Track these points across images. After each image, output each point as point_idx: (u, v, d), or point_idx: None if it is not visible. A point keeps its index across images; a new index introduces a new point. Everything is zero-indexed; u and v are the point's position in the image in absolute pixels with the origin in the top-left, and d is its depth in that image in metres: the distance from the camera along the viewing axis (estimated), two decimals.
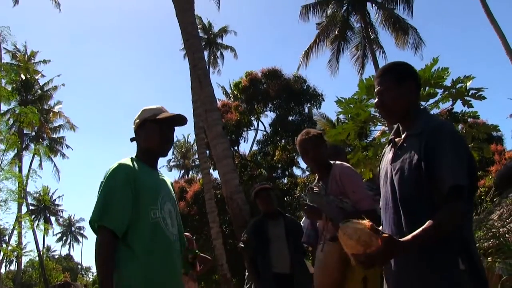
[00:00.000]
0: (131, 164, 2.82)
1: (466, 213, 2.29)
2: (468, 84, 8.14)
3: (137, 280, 2.59)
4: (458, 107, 8.76)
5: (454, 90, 8.25)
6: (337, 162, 4.01)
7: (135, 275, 2.59)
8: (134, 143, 3.04)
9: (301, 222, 5.58)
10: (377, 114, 9.30)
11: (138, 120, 2.99)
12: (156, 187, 2.85)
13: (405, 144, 2.49)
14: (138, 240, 2.66)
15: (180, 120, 3.01)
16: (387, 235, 2.14)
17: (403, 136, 2.55)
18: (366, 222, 2.16)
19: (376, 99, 2.63)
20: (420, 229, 2.17)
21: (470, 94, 8.16)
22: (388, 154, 2.64)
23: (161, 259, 2.69)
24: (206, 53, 35.51)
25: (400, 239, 2.19)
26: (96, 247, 2.63)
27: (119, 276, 2.60)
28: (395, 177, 2.46)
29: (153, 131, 2.92)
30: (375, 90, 2.63)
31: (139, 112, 3.02)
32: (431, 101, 8.67)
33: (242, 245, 5.18)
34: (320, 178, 3.98)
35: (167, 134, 2.96)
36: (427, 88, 8.45)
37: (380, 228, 2.54)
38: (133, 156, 2.97)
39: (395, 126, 2.72)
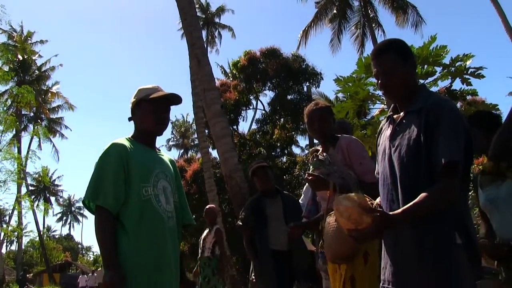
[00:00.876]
0: (125, 144, 2.84)
1: (460, 189, 2.28)
2: (467, 62, 8.14)
3: (128, 255, 2.63)
4: (457, 85, 8.78)
5: (453, 69, 8.26)
6: (345, 135, 4.01)
7: (126, 251, 2.64)
8: (129, 122, 3.06)
9: (299, 200, 5.60)
10: (376, 93, 9.30)
11: (134, 100, 3.00)
12: (149, 165, 2.87)
13: (404, 121, 2.47)
14: (128, 217, 2.70)
15: (174, 99, 3.02)
16: (378, 213, 2.15)
17: (402, 113, 2.52)
18: (358, 199, 2.18)
19: (381, 80, 2.53)
20: (411, 203, 2.19)
21: (469, 72, 8.16)
22: (386, 130, 2.62)
23: (151, 236, 2.72)
24: (204, 33, 35.27)
25: (390, 214, 2.21)
26: (95, 226, 2.69)
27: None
28: (394, 154, 2.44)
29: (148, 111, 2.92)
30: (379, 69, 2.54)
31: (135, 92, 3.03)
32: (430, 79, 8.68)
33: (240, 223, 5.20)
34: (325, 150, 3.95)
35: (162, 113, 2.96)
36: (425, 66, 8.44)
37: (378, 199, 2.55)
38: (129, 136, 2.99)
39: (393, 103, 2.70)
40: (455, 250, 2.22)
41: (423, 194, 2.18)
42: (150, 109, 2.92)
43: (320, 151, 4.01)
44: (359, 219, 2.13)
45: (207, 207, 8.59)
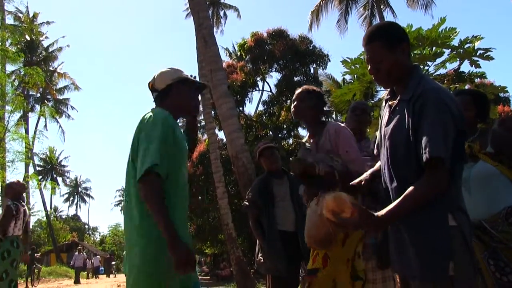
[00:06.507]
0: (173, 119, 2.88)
1: (447, 180, 2.21)
2: (476, 44, 8.06)
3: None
4: (466, 67, 8.71)
5: (461, 50, 8.19)
6: (332, 121, 3.98)
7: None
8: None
9: None
10: None
11: (176, 76, 3.01)
12: (184, 143, 2.91)
13: (397, 109, 2.44)
14: (170, 191, 2.67)
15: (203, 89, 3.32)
16: (360, 208, 2.26)
17: (397, 99, 2.49)
18: (344, 194, 2.36)
19: (370, 67, 2.53)
20: (397, 201, 2.23)
21: (478, 54, 8.09)
22: (385, 116, 2.59)
23: (182, 212, 2.77)
24: (209, 13, 35.04)
25: (376, 214, 2.25)
26: (148, 194, 2.52)
27: (151, 225, 2.57)
28: (387, 142, 2.44)
29: (192, 92, 3.08)
30: (367, 57, 2.53)
31: (169, 69, 3.07)
32: (438, 60, 8.62)
33: (247, 203, 5.21)
34: (312, 136, 3.92)
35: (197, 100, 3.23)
36: (434, 48, 8.38)
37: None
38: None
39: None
40: (449, 233, 2.21)
41: (408, 190, 2.20)
42: (194, 91, 3.12)
43: (307, 137, 3.99)
44: (343, 208, 2.27)
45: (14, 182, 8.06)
